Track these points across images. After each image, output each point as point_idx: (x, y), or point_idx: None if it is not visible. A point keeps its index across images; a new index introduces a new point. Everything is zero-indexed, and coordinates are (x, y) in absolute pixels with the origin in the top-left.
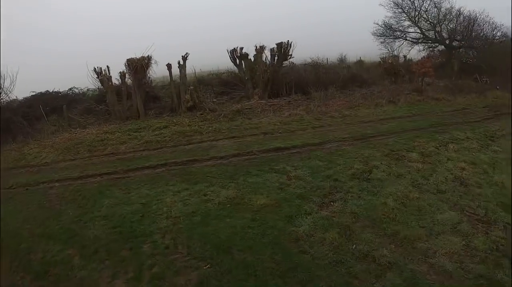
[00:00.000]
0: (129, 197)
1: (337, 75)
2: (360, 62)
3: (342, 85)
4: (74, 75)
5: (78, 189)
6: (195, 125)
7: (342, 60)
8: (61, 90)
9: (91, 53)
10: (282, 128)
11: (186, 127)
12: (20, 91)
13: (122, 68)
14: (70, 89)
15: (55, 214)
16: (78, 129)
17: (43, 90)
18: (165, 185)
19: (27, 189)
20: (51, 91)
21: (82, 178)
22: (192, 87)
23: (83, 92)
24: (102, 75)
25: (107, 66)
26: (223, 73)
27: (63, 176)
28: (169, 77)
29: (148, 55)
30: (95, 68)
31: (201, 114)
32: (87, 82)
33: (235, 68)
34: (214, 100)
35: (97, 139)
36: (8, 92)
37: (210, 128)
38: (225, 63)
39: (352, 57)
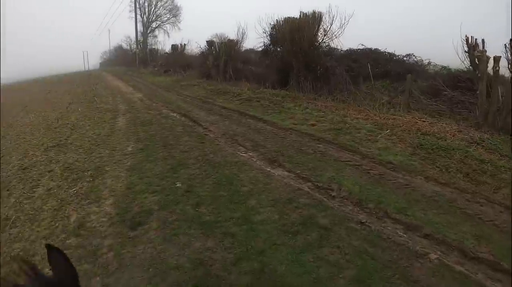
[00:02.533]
0: None
1: None
2: None
3: None
4: None
5: None
6: None
7: None
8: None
9: None
10: None
11: None
12: (347, 40)
13: None
14: (408, 55)
15: None
16: (415, 113)
17: (371, 46)
18: None
19: None
20: (381, 50)
21: None
22: None
23: (428, 64)
24: (476, 50)
25: (482, 40)
26: None
27: None
28: None
29: None
30: (467, 38)
31: None
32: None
33: None
34: None
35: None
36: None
37: None
38: None
39: None
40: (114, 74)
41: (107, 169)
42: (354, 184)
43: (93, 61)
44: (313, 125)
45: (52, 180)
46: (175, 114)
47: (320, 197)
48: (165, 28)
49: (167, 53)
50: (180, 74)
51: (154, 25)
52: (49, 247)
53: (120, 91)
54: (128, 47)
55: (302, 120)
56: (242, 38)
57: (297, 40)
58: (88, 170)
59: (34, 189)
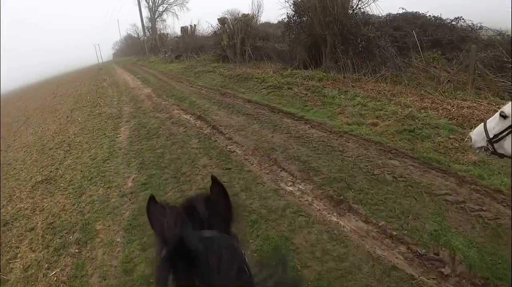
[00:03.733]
0: None
1: None
2: None
3: None
4: None
5: None
6: None
7: None
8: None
9: None
10: None
11: None
12: (382, 2)
13: None
14: (457, 18)
15: None
16: (487, 95)
17: (413, 9)
18: None
19: None
20: (426, 14)
21: None
22: None
23: (480, 29)
24: None
25: None
26: None
27: None
28: None
29: None
30: None
31: None
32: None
33: None
34: None
35: None
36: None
37: None
38: None
39: None
40: (123, 65)
41: (98, 227)
42: (468, 246)
43: (106, 53)
44: (374, 125)
45: (31, 248)
46: (188, 117)
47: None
48: (173, 11)
49: (177, 37)
50: (192, 59)
51: (161, 8)
52: (213, 179)
53: (127, 86)
54: (136, 35)
55: (356, 116)
56: (258, 11)
57: (330, 7)
58: (75, 230)
59: (11, 266)
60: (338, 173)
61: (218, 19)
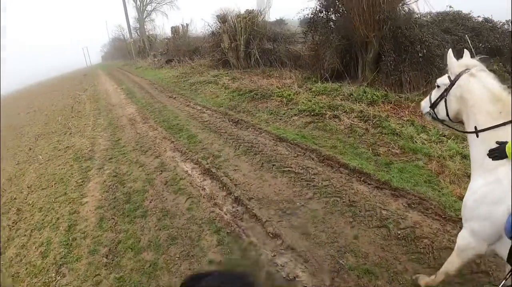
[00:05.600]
0: None
1: None
2: None
3: None
4: None
5: None
6: None
7: None
8: None
9: None
10: None
11: None
12: None
13: None
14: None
15: None
16: None
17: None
18: None
19: None
20: (472, 14)
21: None
22: None
23: None
24: None
25: None
26: None
27: None
28: None
29: None
30: None
31: None
32: None
33: None
34: None
35: None
36: None
37: None
38: None
39: None
40: (109, 71)
41: None
42: None
43: (95, 56)
44: None
45: None
46: (189, 168)
47: None
48: (162, 10)
49: (167, 38)
50: (186, 64)
51: (149, 8)
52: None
53: (108, 101)
54: (123, 37)
55: (464, 179)
56: (265, 6)
57: (380, 2)
58: None
59: None
60: None
61: (217, 16)
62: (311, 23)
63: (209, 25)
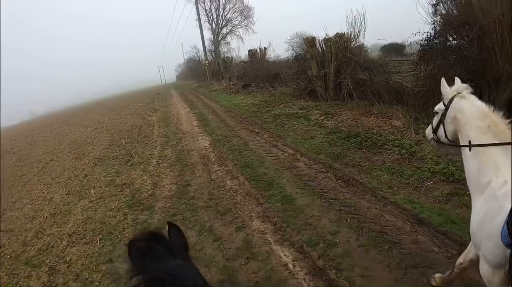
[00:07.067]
0: None
1: None
2: None
3: None
4: None
5: None
6: None
7: None
8: None
9: None
10: None
11: None
12: None
13: None
14: None
15: None
16: None
17: None
18: None
19: None
20: None
21: None
22: None
23: None
24: None
25: None
26: None
27: None
28: None
29: None
30: None
31: None
32: None
33: None
34: None
35: None
36: None
37: None
38: None
39: None
40: (181, 91)
41: None
42: None
43: (170, 74)
44: None
45: None
46: (290, 264)
47: None
48: (238, 33)
49: (243, 61)
50: (265, 90)
51: (225, 30)
52: (169, 224)
53: (178, 127)
54: (197, 59)
55: None
56: (358, 30)
57: None
58: None
59: None
60: None
61: (304, 39)
62: (423, 53)
63: (293, 49)
